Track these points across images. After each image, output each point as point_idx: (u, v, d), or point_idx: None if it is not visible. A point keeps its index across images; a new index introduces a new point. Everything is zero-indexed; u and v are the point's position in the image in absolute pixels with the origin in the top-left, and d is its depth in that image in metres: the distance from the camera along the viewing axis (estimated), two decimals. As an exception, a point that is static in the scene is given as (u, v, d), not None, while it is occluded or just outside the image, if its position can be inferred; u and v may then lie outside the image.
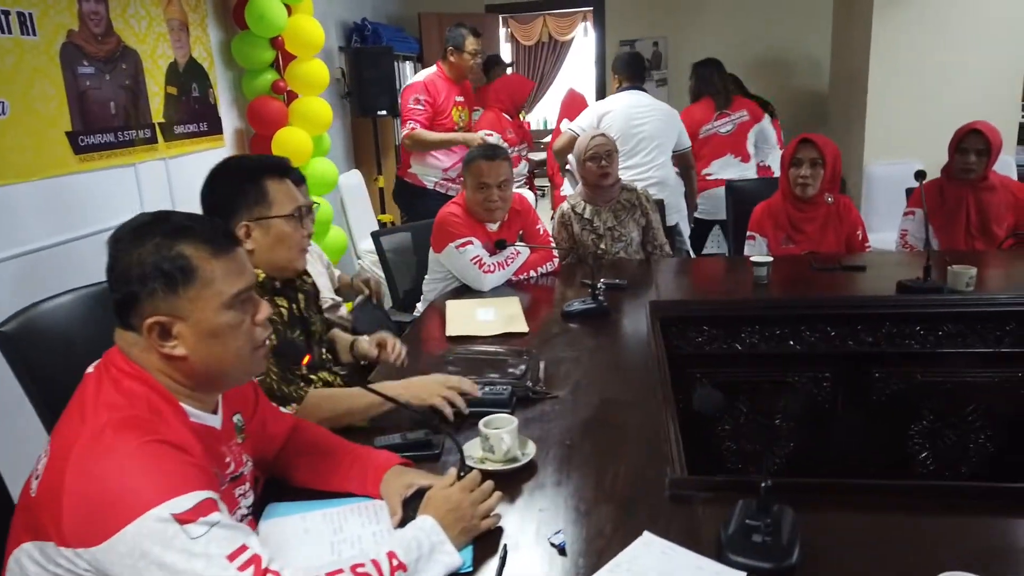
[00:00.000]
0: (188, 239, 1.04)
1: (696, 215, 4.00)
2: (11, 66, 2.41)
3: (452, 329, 2.20)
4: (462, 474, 1.24)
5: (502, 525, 1.21)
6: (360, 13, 5.54)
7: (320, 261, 2.65)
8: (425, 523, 1.12)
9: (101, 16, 2.84)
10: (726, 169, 4.03)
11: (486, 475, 1.33)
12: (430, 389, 1.60)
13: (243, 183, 1.66)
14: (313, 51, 3.82)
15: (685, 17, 6.51)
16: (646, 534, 1.15)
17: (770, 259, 2.52)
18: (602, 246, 3.06)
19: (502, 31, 12.51)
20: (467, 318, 2.28)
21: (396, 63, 5.45)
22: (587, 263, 2.92)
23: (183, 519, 0.92)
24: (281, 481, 1.37)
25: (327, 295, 2.44)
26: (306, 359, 1.35)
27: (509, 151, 4.62)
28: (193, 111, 3.46)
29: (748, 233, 3.08)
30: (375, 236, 3.09)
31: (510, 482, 1.35)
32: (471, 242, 2.62)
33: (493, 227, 2.75)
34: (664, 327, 2.28)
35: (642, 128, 3.60)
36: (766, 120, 4.21)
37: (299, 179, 2.01)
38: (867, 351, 2.26)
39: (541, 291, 2.71)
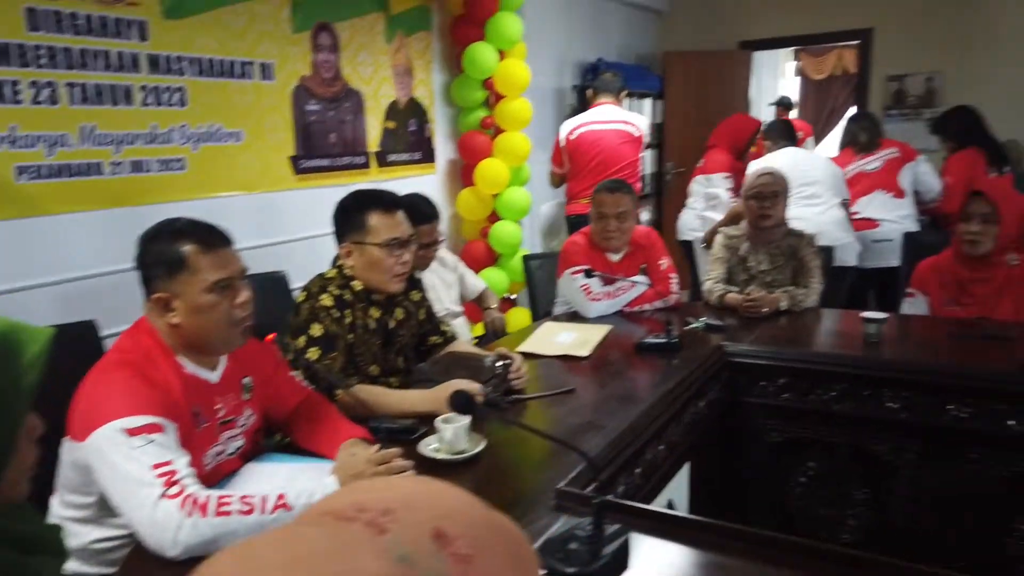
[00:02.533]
0: (186, 239, 1.44)
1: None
2: (250, 103, 3.14)
3: (524, 346, 2.41)
4: (379, 448, 1.48)
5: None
6: (600, 53, 5.87)
7: (452, 270, 2.99)
8: (326, 479, 1.39)
9: (332, 64, 3.54)
10: (876, 206, 3.79)
11: (435, 463, 1.57)
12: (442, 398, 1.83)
13: (353, 212, 2.03)
14: (519, 91, 4.24)
15: (967, 50, 5.85)
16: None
17: (884, 316, 2.34)
18: (750, 289, 2.97)
19: (792, 64, 12.06)
20: (546, 338, 2.48)
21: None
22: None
23: (131, 432, 1.30)
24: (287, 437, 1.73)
25: (444, 305, 2.78)
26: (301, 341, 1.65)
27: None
28: (408, 142, 4.06)
29: (908, 290, 2.83)
30: (525, 259, 3.39)
31: (452, 469, 1.57)
32: (583, 270, 2.80)
33: (615, 257, 2.90)
34: (735, 374, 2.26)
35: (812, 174, 3.48)
36: (921, 161, 3.83)
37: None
38: (962, 428, 2.01)
39: (654, 324, 2.77)
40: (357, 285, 1.98)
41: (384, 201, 1.99)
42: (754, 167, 3.72)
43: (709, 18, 6.75)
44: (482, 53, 4.05)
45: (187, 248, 1.44)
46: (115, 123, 2.64)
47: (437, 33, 4.19)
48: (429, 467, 1.58)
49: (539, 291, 3.28)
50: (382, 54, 3.82)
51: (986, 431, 1.99)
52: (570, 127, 4.44)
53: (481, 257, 4.34)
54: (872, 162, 3.98)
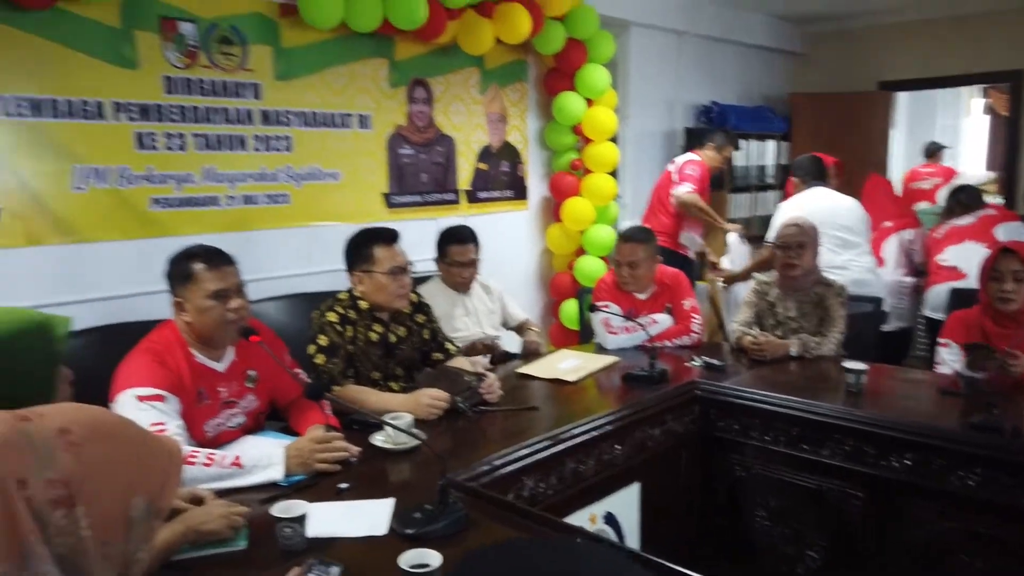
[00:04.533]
0: (195, 258, 1.94)
1: (927, 313, 3.61)
2: (348, 149, 3.71)
3: (527, 368, 2.72)
4: (324, 430, 1.89)
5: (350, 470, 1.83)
6: (715, 96, 6.00)
7: (497, 299, 3.33)
8: (276, 449, 1.81)
9: (426, 114, 4.05)
10: (966, 256, 3.62)
11: (381, 450, 1.95)
12: (418, 401, 2.21)
13: (359, 246, 2.49)
14: (606, 136, 4.53)
15: None
16: (389, 500, 1.64)
17: (864, 367, 2.39)
18: (777, 333, 3.07)
19: (980, 102, 11.20)
20: (551, 363, 2.77)
21: (737, 142, 5.79)
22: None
23: (140, 398, 1.80)
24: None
25: (483, 328, 3.14)
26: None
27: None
28: (500, 181, 4.49)
29: (942, 340, 2.81)
30: (579, 293, 3.68)
31: (394, 456, 1.94)
32: (607, 305, 3.05)
33: (641, 296, 3.12)
34: (708, 409, 2.43)
35: (845, 216, 3.54)
36: (1020, 225, 3.59)
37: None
38: (903, 479, 2.05)
39: (670, 359, 2.94)
40: (363, 305, 2.41)
41: (385, 236, 2.41)
42: (784, 208, 3.80)
43: (847, 59, 6.63)
44: (570, 102, 4.41)
45: (196, 265, 1.94)
46: (231, 165, 3.29)
47: (532, 83, 4.60)
48: (378, 454, 1.96)
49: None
50: (475, 103, 4.29)
51: (923, 484, 2.02)
52: None
53: (566, 288, 4.65)
54: (966, 218, 3.89)
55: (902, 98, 7.51)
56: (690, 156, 4.67)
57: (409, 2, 3.45)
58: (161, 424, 1.78)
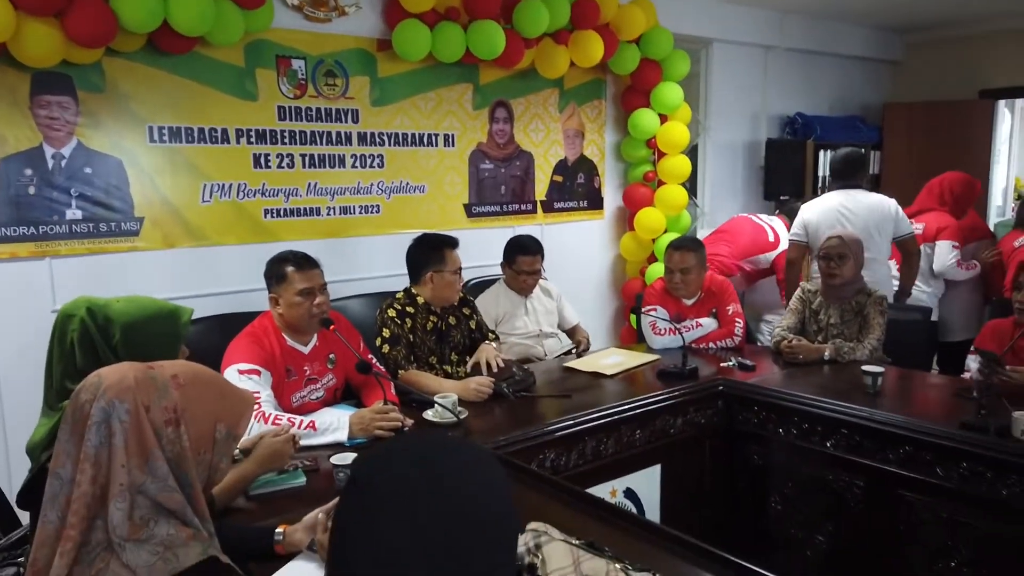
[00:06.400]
0: (288, 262, 2.40)
1: None
2: (433, 166, 4.16)
3: (572, 363, 3.05)
4: (383, 404, 2.30)
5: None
6: (802, 107, 6.07)
7: (556, 301, 3.66)
8: (343, 416, 2.24)
9: (506, 132, 4.45)
10: None
11: (431, 423, 2.35)
12: (467, 386, 2.60)
13: (431, 249, 2.91)
14: (679, 149, 4.77)
15: None
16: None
17: (880, 370, 2.57)
18: (819, 339, 3.26)
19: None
20: (596, 359, 3.08)
21: (820, 152, 5.85)
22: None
23: (241, 372, 2.27)
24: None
25: (541, 327, 3.49)
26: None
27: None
28: (575, 192, 4.83)
29: (973, 348, 2.93)
30: (637, 298, 3.95)
31: (441, 429, 2.33)
32: (654, 308, 3.33)
33: (688, 301, 3.38)
34: (729, 403, 2.69)
35: (854, 222, 3.59)
36: None
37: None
38: (898, 472, 2.24)
39: (711, 359, 3.18)
40: (420, 300, 2.83)
41: (452, 242, 2.82)
42: (804, 208, 3.97)
43: (946, 67, 6.52)
44: (645, 118, 4.69)
45: (288, 268, 2.41)
46: (331, 181, 3.80)
47: (610, 100, 4.91)
48: (429, 427, 2.36)
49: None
50: (554, 121, 4.65)
51: (916, 477, 2.20)
52: None
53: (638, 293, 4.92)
54: None
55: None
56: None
57: (488, 35, 3.86)
58: (256, 393, 2.24)
